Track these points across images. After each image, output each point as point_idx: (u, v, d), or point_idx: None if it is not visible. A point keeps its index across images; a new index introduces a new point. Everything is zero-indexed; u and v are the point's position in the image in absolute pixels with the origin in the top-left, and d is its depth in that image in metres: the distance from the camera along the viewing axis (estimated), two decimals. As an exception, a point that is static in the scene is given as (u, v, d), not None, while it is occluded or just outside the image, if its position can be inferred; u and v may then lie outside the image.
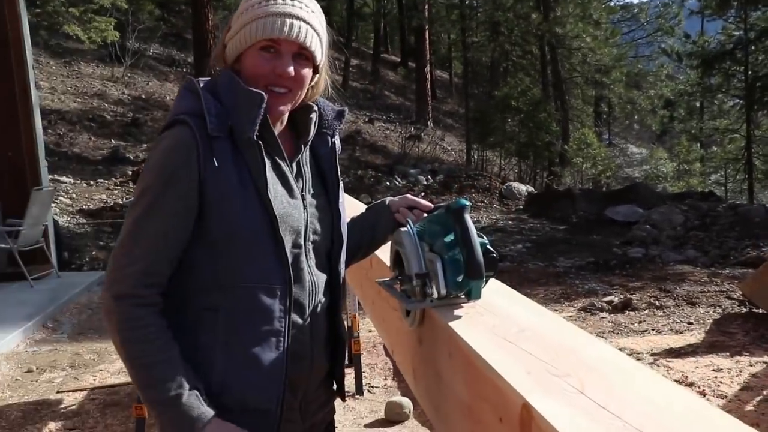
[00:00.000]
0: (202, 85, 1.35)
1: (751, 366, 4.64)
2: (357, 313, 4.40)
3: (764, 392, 4.18)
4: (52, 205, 8.49)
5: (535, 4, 21.25)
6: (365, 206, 1.79)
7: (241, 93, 1.31)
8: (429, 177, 16.26)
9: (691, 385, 4.35)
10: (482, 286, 1.26)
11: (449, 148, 22.53)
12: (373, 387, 4.52)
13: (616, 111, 26.85)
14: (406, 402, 4.03)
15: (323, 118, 1.47)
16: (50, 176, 9.42)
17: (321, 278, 1.43)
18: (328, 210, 1.46)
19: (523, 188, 15.71)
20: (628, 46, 25.49)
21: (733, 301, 6.46)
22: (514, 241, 10.63)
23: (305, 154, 1.46)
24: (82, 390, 4.61)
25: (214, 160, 1.28)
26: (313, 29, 1.35)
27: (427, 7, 24.28)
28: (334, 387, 1.56)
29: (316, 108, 1.45)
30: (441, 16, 26.15)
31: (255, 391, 1.33)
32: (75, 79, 17.56)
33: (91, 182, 12.38)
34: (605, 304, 6.65)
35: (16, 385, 4.76)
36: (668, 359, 4.89)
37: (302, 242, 1.39)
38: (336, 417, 1.62)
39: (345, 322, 1.95)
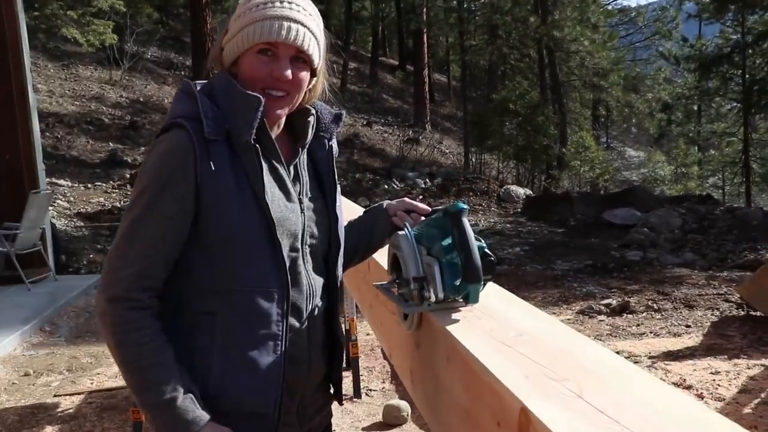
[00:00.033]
0: (199, 88, 1.35)
1: (748, 369, 4.65)
2: (355, 317, 4.39)
3: (762, 395, 4.18)
4: (50, 208, 8.48)
5: (533, 7, 21.27)
6: (363, 209, 1.78)
7: (239, 96, 1.31)
8: (427, 180, 16.26)
9: (689, 388, 4.36)
10: (480, 289, 1.26)
11: (447, 151, 22.56)
12: (370, 390, 4.51)
13: (613, 114, 26.87)
14: (404, 405, 4.02)
15: (321, 121, 1.47)
16: (48, 179, 9.39)
17: (318, 282, 1.43)
18: (326, 213, 1.46)
19: (521, 191, 15.71)
20: (625, 49, 25.49)
21: (731, 304, 6.47)
22: (511, 245, 10.63)
23: (302, 158, 1.45)
24: (79, 393, 4.60)
25: (211, 163, 1.28)
26: (311, 32, 1.35)
27: (425, 10, 24.36)
28: (332, 390, 1.56)
29: (313, 111, 1.45)
30: (439, 19, 26.25)
31: (252, 394, 1.32)
32: (73, 82, 17.55)
33: (89, 185, 12.36)
34: (603, 307, 6.66)
35: (13, 389, 4.75)
36: (666, 362, 4.89)
37: (299, 246, 1.38)
38: (333, 420, 1.62)
39: (342, 326, 1.94)
